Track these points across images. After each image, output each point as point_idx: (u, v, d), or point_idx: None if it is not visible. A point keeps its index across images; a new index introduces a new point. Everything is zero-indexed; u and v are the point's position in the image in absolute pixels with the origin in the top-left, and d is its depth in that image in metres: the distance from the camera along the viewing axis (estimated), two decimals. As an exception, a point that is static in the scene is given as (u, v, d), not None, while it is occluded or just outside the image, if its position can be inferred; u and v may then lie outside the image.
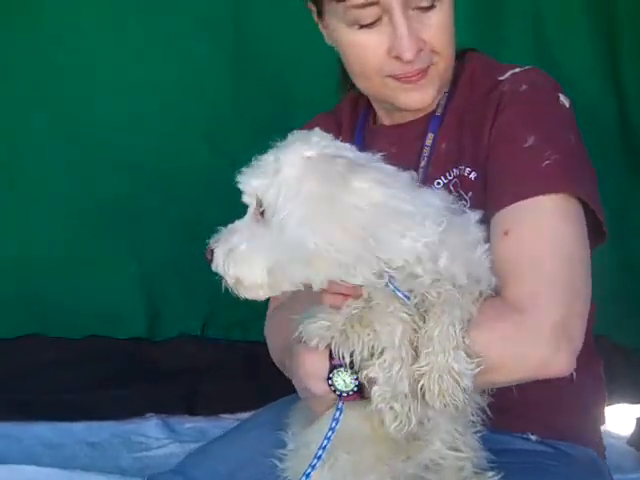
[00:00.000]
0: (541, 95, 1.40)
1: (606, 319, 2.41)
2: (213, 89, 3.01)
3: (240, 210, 2.98)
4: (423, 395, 1.15)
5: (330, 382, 1.21)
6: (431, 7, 1.37)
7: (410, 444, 1.23)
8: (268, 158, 1.22)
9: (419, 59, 1.38)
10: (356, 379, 1.19)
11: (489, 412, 1.28)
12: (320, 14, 1.46)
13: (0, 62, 2.98)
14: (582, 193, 1.32)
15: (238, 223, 1.25)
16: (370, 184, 1.14)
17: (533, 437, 1.45)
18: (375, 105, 1.57)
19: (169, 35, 2.98)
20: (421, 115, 1.50)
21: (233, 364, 2.94)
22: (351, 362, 1.18)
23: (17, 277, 3.09)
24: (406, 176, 1.21)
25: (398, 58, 1.37)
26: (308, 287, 1.21)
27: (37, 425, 2.58)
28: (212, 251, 1.24)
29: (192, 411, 2.72)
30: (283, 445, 1.36)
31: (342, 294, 1.20)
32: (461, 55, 1.54)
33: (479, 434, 1.28)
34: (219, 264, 1.23)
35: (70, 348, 3.05)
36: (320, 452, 1.20)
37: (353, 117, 1.63)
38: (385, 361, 1.14)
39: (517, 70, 1.44)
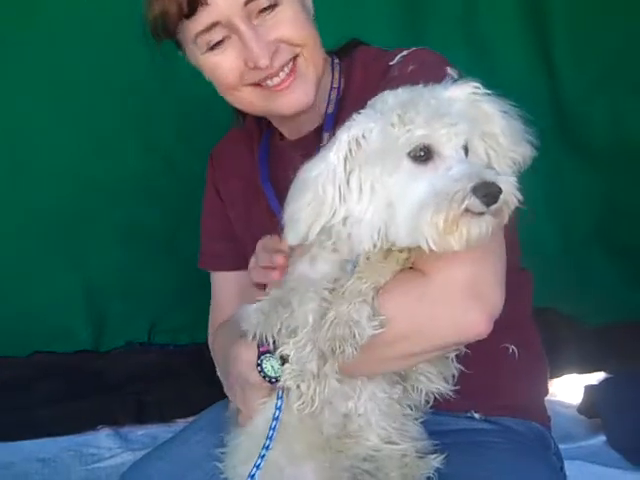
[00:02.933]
0: (429, 72, 1.33)
1: (552, 291, 2.46)
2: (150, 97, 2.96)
3: (176, 216, 2.97)
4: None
5: (260, 369, 1.21)
6: (275, 5, 1.37)
7: (341, 441, 1.22)
8: None
9: (278, 58, 1.38)
10: (282, 363, 1.19)
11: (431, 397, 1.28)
12: (179, 46, 1.47)
13: None
14: None
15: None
16: None
17: (477, 415, 1.45)
18: (274, 123, 1.58)
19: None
20: (319, 122, 1.49)
21: (182, 368, 2.91)
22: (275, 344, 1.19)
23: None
24: None
25: (256, 67, 1.37)
26: None
27: (-16, 446, 2.52)
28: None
29: (144, 421, 2.68)
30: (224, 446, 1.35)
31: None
32: (346, 48, 1.54)
33: (420, 420, 1.28)
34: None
35: (15, 367, 2.99)
36: (268, 442, 1.20)
37: (257, 134, 1.63)
38: (300, 340, 1.15)
39: (405, 52, 1.42)
